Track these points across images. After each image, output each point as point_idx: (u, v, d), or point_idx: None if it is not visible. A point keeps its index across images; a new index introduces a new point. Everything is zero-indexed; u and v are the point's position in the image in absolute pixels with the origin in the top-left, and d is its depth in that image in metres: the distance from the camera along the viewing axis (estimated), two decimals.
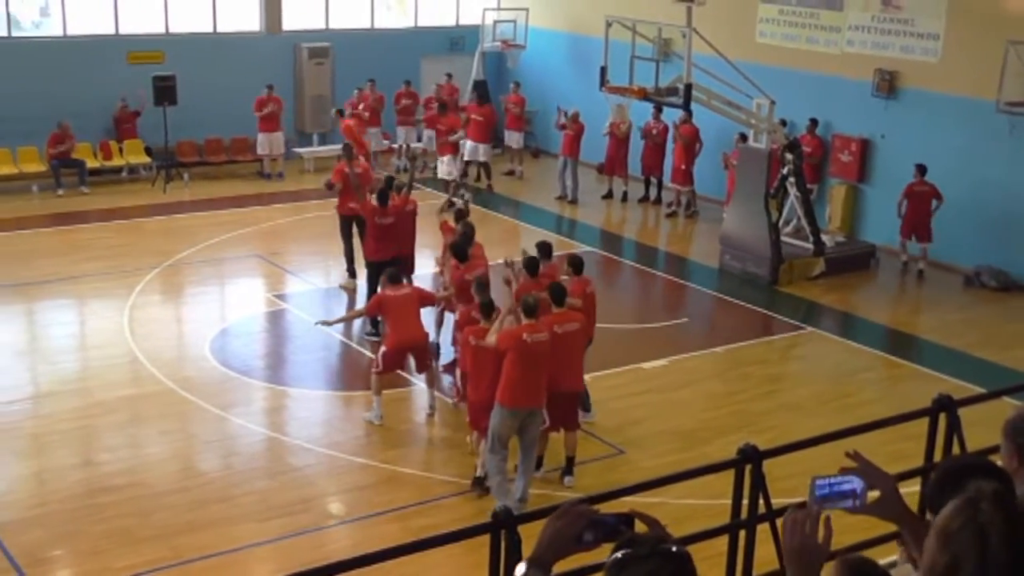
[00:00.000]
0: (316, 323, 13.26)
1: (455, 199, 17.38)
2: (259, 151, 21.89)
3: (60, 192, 20.10)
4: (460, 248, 12.24)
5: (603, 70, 18.02)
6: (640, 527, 2.94)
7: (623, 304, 16.27)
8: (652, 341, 14.51)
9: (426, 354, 12.02)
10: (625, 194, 21.29)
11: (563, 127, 21.09)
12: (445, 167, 20.47)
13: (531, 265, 11.47)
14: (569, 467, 10.65)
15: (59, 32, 21.20)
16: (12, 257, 16.76)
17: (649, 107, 20.20)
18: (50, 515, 9.83)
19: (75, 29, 21.23)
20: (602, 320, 14.42)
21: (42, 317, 15.06)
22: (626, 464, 11.08)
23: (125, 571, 9.02)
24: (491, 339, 10.03)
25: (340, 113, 20.75)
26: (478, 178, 22.23)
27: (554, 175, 21.55)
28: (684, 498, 9.31)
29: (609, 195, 21.42)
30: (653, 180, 21.23)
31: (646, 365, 13.63)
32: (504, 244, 16.88)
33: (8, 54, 20.46)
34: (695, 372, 13.55)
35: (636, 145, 21.17)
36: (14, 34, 20.81)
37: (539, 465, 10.52)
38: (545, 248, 11.98)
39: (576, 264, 11.65)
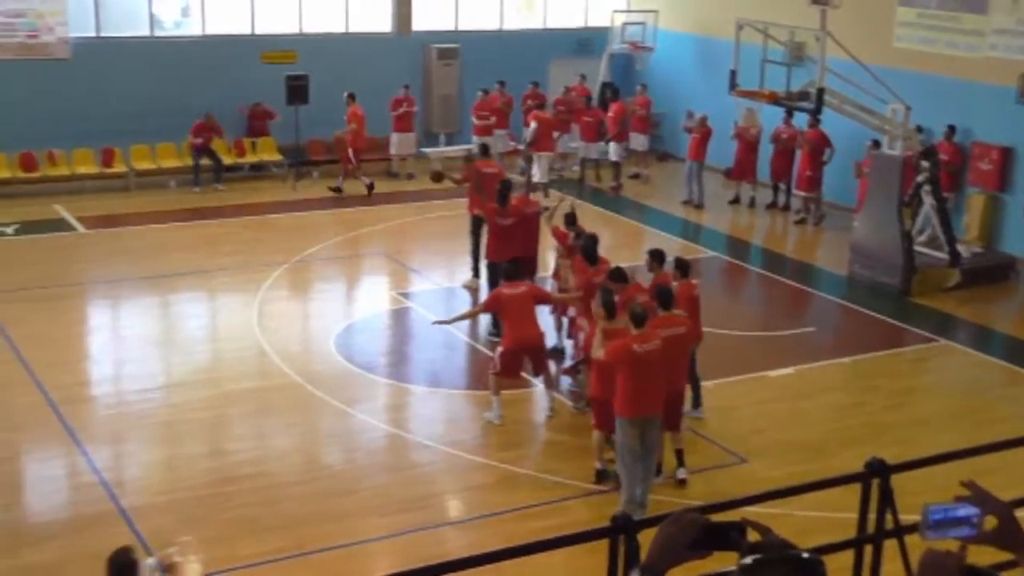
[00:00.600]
0: (433, 323, 13.39)
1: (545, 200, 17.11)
2: (392, 151, 22.19)
3: (196, 188, 20.73)
4: (590, 251, 12.18)
5: (733, 73, 17.82)
6: (752, 535, 2.91)
7: (748, 311, 16.08)
8: (777, 349, 14.29)
9: (543, 355, 12.02)
10: (753, 200, 21.02)
11: (690, 130, 20.93)
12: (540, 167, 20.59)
13: (618, 275, 11.43)
14: (679, 459, 10.64)
15: (198, 32, 21.91)
16: (149, 250, 17.35)
17: (779, 112, 19.89)
18: (179, 501, 10.15)
19: (213, 29, 21.91)
20: (726, 327, 14.33)
21: (176, 309, 15.56)
22: (747, 474, 10.94)
23: (249, 559, 9.26)
24: (599, 353, 9.96)
25: (352, 97, 20.59)
26: (597, 178, 22.24)
27: (680, 179, 21.41)
28: (807, 511, 9.15)
29: (736, 200, 21.17)
30: (782, 186, 20.90)
31: (771, 373, 13.44)
32: (627, 247, 16.85)
33: (150, 53, 21.20)
34: (821, 382, 13.30)
35: (765, 150, 20.88)
36: (156, 34, 21.56)
37: (658, 471, 10.48)
38: (658, 255, 11.91)
39: (683, 267, 11.61)
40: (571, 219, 13.30)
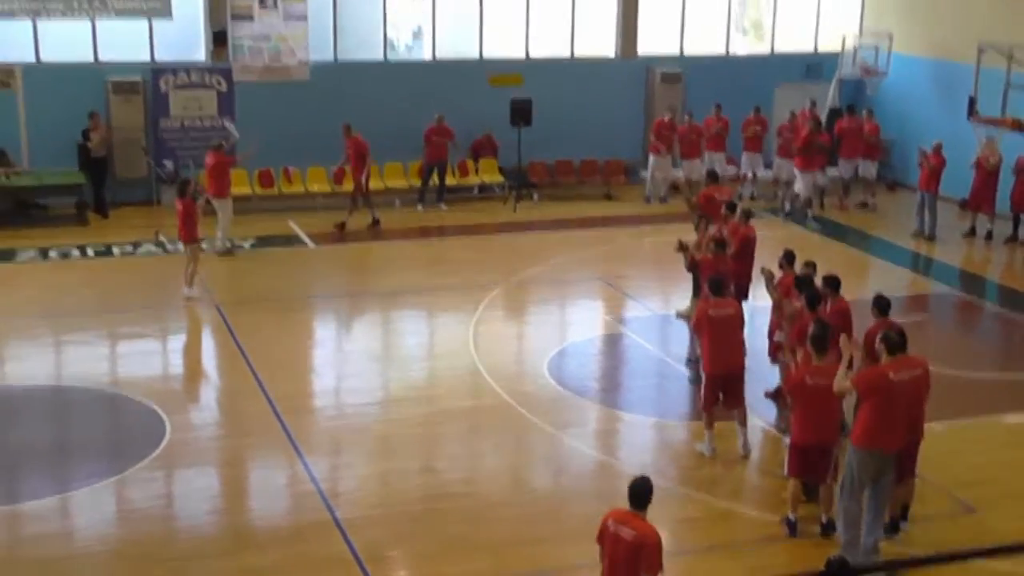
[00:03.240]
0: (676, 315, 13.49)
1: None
2: (648, 172, 22.09)
3: (420, 208, 21.21)
4: (811, 295, 11.21)
5: (972, 100, 16.92)
6: None
7: (982, 350, 15.15)
8: (1015, 393, 13.38)
9: (740, 385, 11.43)
10: (990, 232, 19.85)
11: (923, 164, 19.90)
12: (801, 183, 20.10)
13: (883, 304, 10.84)
14: (904, 513, 9.98)
15: (428, 56, 22.46)
16: (374, 266, 17.84)
17: (1022, 140, 18.74)
18: (392, 515, 10.28)
19: (443, 53, 22.42)
20: (957, 366, 13.54)
21: (396, 325, 15.92)
22: (975, 525, 10.23)
23: None
24: (845, 384, 9.27)
25: (349, 129, 19.66)
26: (820, 206, 21.51)
27: (910, 209, 20.45)
28: None
29: (972, 232, 20.04)
30: (1023, 218, 19.68)
31: (1007, 418, 12.59)
32: (851, 277, 16.12)
33: (382, 77, 21.86)
34: None
35: (1005, 180, 19.70)
36: (389, 58, 22.22)
37: (896, 528, 9.86)
38: (833, 281, 11.34)
39: (882, 307, 10.80)
40: (790, 257, 12.68)
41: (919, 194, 20.01)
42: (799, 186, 20.65)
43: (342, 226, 19.28)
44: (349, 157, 19.60)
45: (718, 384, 11.32)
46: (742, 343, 11.55)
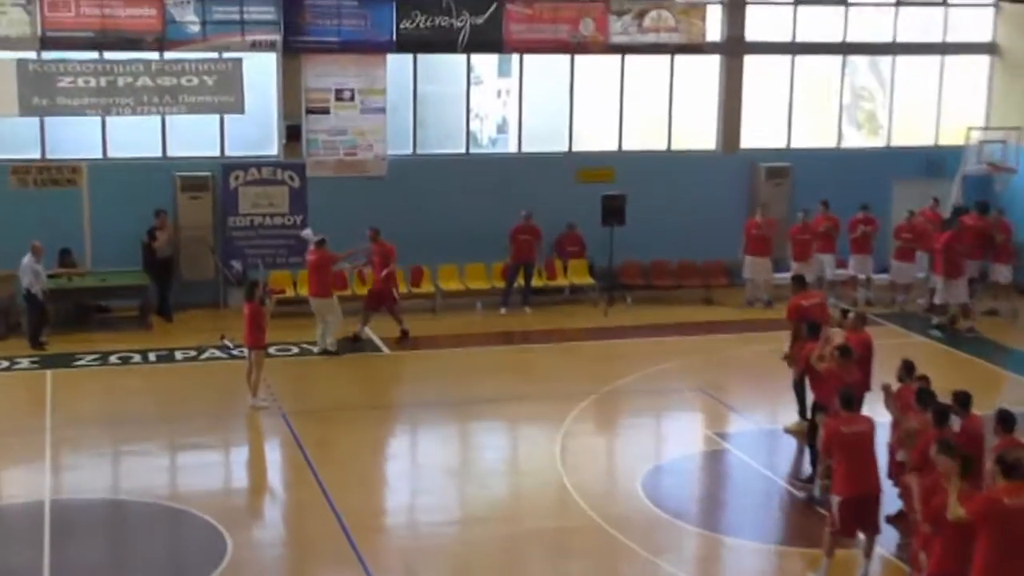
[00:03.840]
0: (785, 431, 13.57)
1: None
2: (744, 275, 22.13)
3: (503, 311, 21.34)
4: (939, 409, 10.98)
5: None
6: None
7: None
8: None
9: (875, 511, 11.17)
10: None
11: None
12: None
13: (1007, 420, 10.59)
14: None
15: (513, 149, 22.84)
16: (453, 374, 17.92)
17: None
18: None
19: (529, 146, 22.79)
20: None
21: (476, 438, 15.92)
22: None
23: None
24: (958, 512, 8.98)
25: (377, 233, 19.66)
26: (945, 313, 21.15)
27: None
28: None
29: None
30: None
31: None
32: (984, 394, 15.76)
33: (464, 171, 22.24)
34: None
35: None
36: (472, 151, 22.65)
37: None
38: (964, 399, 11.15)
39: (1007, 422, 10.60)
40: (909, 368, 12.47)
41: None
42: (943, 296, 20.34)
43: (355, 338, 19.17)
44: (374, 264, 19.60)
45: (852, 509, 11.03)
46: (876, 462, 11.28)
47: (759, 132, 23.74)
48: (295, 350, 18.81)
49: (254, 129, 21.57)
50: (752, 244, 21.88)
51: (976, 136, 23.87)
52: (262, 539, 12.50)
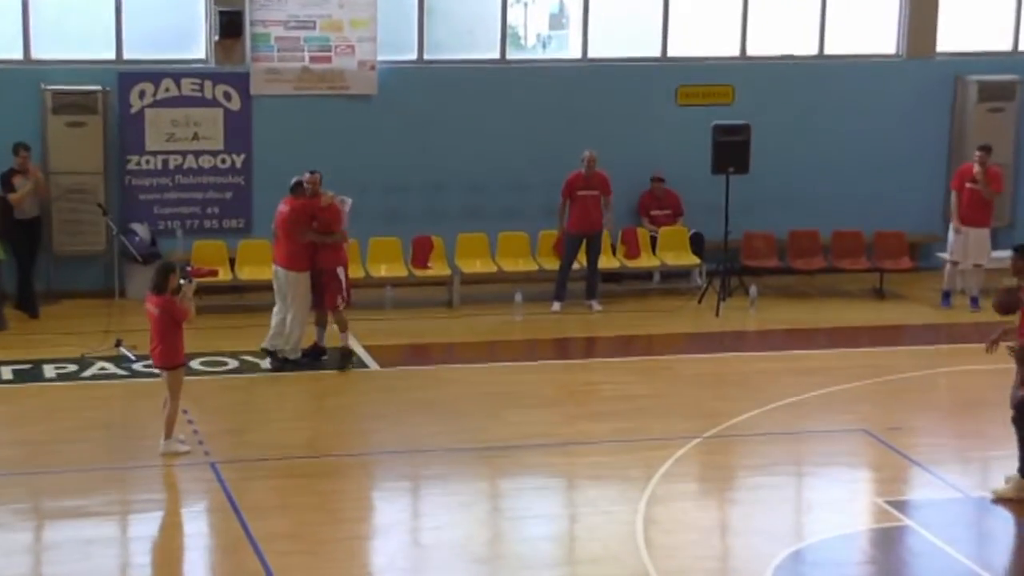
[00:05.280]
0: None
1: None
2: (948, 254, 22.17)
3: (557, 306, 21.24)
4: None
5: None
6: None
7: None
8: None
9: None
10: None
11: None
12: None
13: None
14: None
15: (576, 54, 22.97)
16: (477, 403, 17.86)
17: None
18: None
19: (600, 50, 22.86)
20: None
21: (511, 504, 15.81)
22: None
23: None
24: None
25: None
26: None
27: None
28: None
29: None
30: None
31: None
32: None
33: (499, 89, 22.46)
34: None
35: None
36: (511, 56, 22.61)
37: None
38: None
39: None
40: None
41: None
42: None
43: (316, 349, 19.25)
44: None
45: None
46: None
47: (966, 26, 23.66)
48: (232, 364, 18.82)
49: (169, 19, 21.71)
50: (964, 207, 21.73)
51: None
52: None
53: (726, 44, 23.05)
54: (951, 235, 21.95)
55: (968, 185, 21.67)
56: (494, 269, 21.85)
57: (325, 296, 18.81)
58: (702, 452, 16.56)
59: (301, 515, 14.76)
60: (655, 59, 22.83)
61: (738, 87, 22.57)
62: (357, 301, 20.90)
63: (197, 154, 21.42)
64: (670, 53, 22.91)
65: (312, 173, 18.54)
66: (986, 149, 21.91)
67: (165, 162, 21.35)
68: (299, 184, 18.64)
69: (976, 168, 21.69)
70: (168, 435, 16.02)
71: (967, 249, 21.85)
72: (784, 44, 23.22)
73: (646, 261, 22.49)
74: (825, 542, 14.77)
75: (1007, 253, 21.08)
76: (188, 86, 21.36)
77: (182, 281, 16.17)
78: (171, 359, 16.03)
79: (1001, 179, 22.00)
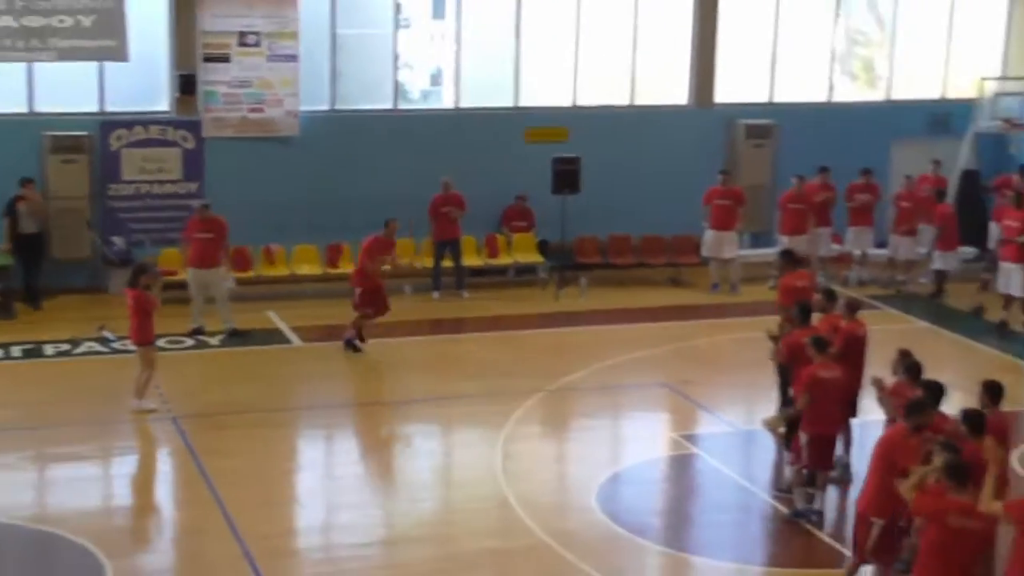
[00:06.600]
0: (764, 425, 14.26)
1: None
2: (704, 253, 22.38)
3: (436, 295, 21.37)
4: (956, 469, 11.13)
5: None
6: None
7: None
8: None
9: (832, 452, 13.00)
10: None
11: None
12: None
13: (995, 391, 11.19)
14: None
15: (450, 104, 22.86)
16: (377, 369, 17.91)
17: None
18: None
19: (468, 101, 22.82)
20: None
21: (404, 445, 15.94)
22: None
23: None
24: (994, 506, 9.27)
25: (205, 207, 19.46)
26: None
27: None
28: None
29: None
30: None
31: None
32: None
33: (391, 130, 22.25)
34: None
35: None
36: (401, 106, 22.61)
37: None
38: (993, 389, 11.38)
39: (993, 392, 11.16)
40: (908, 361, 12.60)
41: None
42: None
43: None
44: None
45: (819, 447, 12.63)
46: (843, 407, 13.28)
47: (737, 84, 23.93)
48: (188, 343, 18.73)
49: (140, 80, 21.46)
50: (714, 215, 22.02)
51: (990, 88, 24.14)
52: (148, 567, 12.39)
53: (562, 96, 23.17)
54: (706, 235, 22.15)
55: (716, 201, 21.98)
56: (389, 267, 21.87)
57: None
58: (545, 403, 16.68)
59: (244, 456, 14.76)
60: (509, 108, 22.88)
61: (571, 128, 22.67)
62: (279, 294, 21.00)
63: (162, 183, 21.22)
64: (520, 103, 22.99)
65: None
66: (726, 173, 22.30)
67: (137, 189, 21.11)
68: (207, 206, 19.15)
69: (720, 188, 21.97)
70: (140, 396, 15.98)
71: (722, 246, 22.05)
72: (605, 96, 23.37)
73: (504, 259, 22.58)
74: (636, 466, 15.00)
75: (759, 251, 21.66)
76: (155, 131, 21.16)
77: (152, 285, 16.17)
78: (144, 338, 16.03)
79: (741, 195, 22.21)
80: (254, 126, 21.57)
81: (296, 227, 21.43)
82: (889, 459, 10.38)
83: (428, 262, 21.72)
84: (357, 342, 18.47)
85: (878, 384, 12.27)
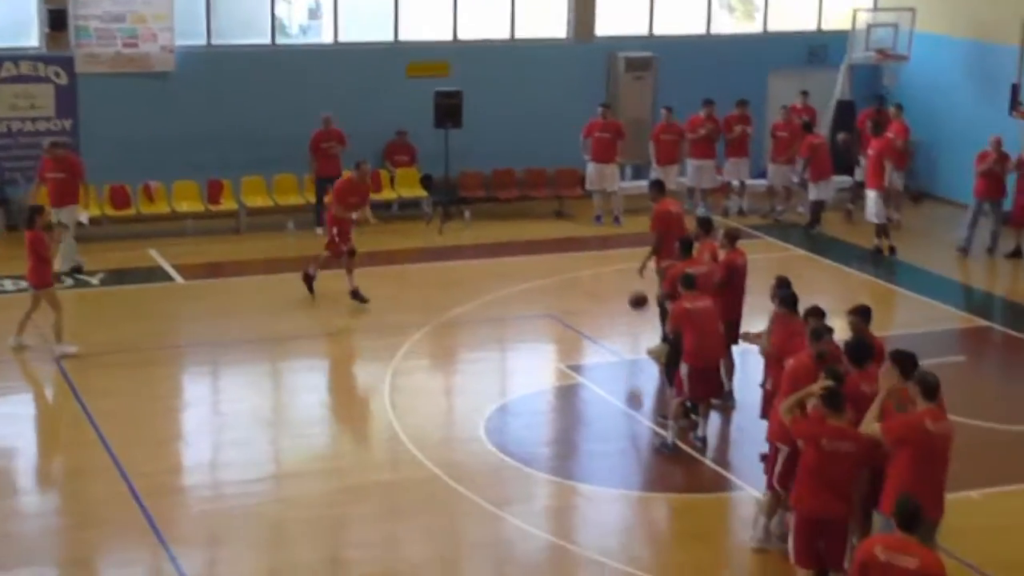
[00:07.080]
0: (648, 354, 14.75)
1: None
2: (588, 186, 22.49)
3: (319, 231, 21.24)
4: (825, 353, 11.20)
5: (1015, 88, 17.36)
6: None
7: None
8: None
9: (717, 380, 13.54)
10: None
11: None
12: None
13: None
14: None
15: (329, 39, 22.62)
16: (261, 307, 17.78)
17: None
18: None
19: (348, 36, 22.59)
20: (1004, 420, 13.85)
21: (290, 380, 15.91)
22: None
23: None
24: (873, 427, 9.70)
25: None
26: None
27: (941, 226, 20.87)
28: None
29: (1017, 253, 20.44)
30: None
31: None
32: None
33: (270, 65, 21.97)
34: None
35: None
36: (278, 42, 22.34)
37: None
38: (863, 312, 11.71)
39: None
40: (785, 290, 12.85)
41: (974, 203, 20.34)
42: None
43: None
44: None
45: (698, 378, 13.03)
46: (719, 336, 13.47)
47: (617, 17, 23.94)
48: (68, 282, 18.40)
49: (7, 14, 20.97)
50: (595, 148, 22.15)
51: (863, 19, 24.44)
52: (32, 507, 12.34)
53: (442, 30, 23.03)
54: (588, 168, 22.33)
55: (596, 134, 22.12)
56: (271, 203, 21.71)
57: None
58: (432, 336, 16.74)
59: (128, 395, 14.67)
60: (389, 43, 22.70)
61: (452, 63, 22.59)
62: (158, 231, 20.75)
63: (34, 120, 20.80)
64: (400, 38, 22.84)
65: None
66: (606, 106, 22.42)
67: (9, 126, 20.67)
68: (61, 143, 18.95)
69: (600, 121, 22.13)
70: (59, 339, 15.70)
71: (604, 179, 22.24)
72: (485, 29, 23.26)
73: (387, 194, 22.48)
74: (523, 397, 15.15)
75: (640, 183, 21.79)
76: (26, 67, 20.70)
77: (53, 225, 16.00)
78: (40, 280, 15.75)
79: (620, 128, 22.35)
80: (129, 62, 21.15)
81: (175, 164, 21.08)
82: (795, 387, 10.59)
83: (311, 198, 21.56)
84: (361, 295, 17.74)
85: (747, 338, 13.05)
